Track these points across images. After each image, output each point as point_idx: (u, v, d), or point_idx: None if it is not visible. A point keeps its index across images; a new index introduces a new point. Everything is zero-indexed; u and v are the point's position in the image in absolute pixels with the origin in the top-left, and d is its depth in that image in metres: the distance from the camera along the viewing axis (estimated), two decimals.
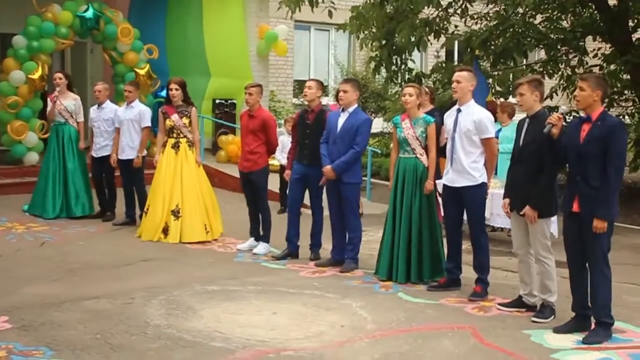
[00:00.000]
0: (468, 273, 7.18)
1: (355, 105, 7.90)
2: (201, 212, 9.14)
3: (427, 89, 10.05)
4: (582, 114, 5.88)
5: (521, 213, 6.21)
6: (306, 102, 8.34)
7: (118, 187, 10.24)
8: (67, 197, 10.34)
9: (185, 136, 9.17)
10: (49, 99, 10.55)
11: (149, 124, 9.97)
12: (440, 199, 7.42)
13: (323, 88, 8.36)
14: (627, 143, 5.89)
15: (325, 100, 17.59)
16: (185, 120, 9.10)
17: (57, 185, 10.31)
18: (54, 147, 10.40)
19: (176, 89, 9.12)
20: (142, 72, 13.22)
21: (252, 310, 6.40)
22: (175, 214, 9.09)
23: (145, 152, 10.05)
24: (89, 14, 12.50)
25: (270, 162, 9.17)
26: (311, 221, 8.35)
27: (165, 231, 9.06)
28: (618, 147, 5.61)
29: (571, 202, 5.79)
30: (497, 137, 9.18)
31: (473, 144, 6.86)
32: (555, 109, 12.74)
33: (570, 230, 5.88)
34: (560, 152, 5.89)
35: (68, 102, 10.35)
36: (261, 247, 8.60)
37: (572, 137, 5.80)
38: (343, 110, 7.91)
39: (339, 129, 7.83)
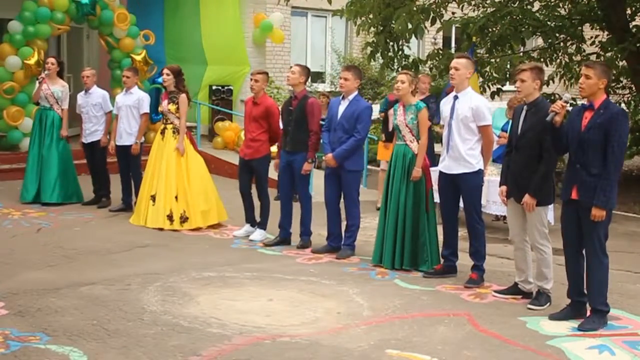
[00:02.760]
0: (464, 260, 7.19)
1: (356, 93, 7.88)
2: (169, 200, 9.01)
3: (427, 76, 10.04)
4: (584, 101, 5.85)
5: (522, 203, 6.20)
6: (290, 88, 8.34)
7: (114, 174, 10.21)
8: (43, 182, 10.27)
9: (171, 122, 9.15)
10: (37, 82, 10.53)
11: (148, 111, 9.95)
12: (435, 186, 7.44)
13: (307, 74, 8.32)
14: (628, 132, 5.84)
15: (322, 87, 17.64)
16: (172, 107, 9.07)
17: (36, 169, 10.27)
18: (36, 132, 10.38)
19: (167, 74, 9.12)
20: (138, 58, 13.20)
21: (248, 296, 6.41)
22: (153, 199, 9.09)
23: (143, 139, 10.04)
24: None
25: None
26: (308, 209, 8.33)
27: (146, 216, 9.10)
28: (620, 135, 5.57)
29: (570, 190, 5.78)
30: (505, 130, 9.18)
31: (470, 131, 6.85)
32: (552, 96, 12.78)
33: (568, 217, 5.88)
34: (562, 140, 5.86)
35: (56, 87, 10.29)
36: (257, 234, 8.61)
37: (573, 124, 5.77)
38: (343, 97, 7.89)
39: (339, 116, 7.82)
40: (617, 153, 5.59)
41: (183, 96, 9.13)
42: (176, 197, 9.03)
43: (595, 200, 5.59)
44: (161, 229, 8.90)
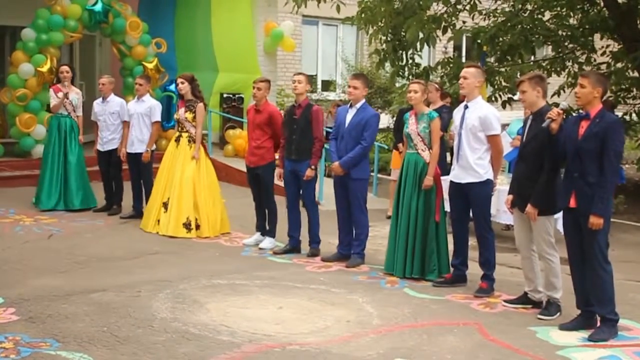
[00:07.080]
0: (474, 269, 7.18)
1: (364, 101, 7.92)
2: (187, 208, 9.05)
3: (436, 85, 10.04)
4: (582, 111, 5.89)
5: (525, 212, 6.21)
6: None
7: (125, 181, 10.25)
8: (66, 188, 10.35)
9: (187, 130, 9.18)
10: (51, 90, 10.53)
11: (159, 119, 10.00)
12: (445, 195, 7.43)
13: (312, 82, 8.38)
14: (624, 141, 5.92)
15: (332, 96, 17.68)
16: (189, 115, 9.10)
17: (56, 176, 10.33)
18: (54, 139, 10.41)
19: (182, 83, 9.16)
20: (150, 65, 13.27)
21: (258, 304, 6.42)
22: (165, 206, 9.12)
23: (154, 147, 10.08)
24: (98, 7, 12.54)
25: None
26: (315, 217, 8.33)
27: (158, 222, 9.14)
28: (615, 144, 5.63)
29: (568, 198, 5.83)
30: (519, 134, 9.18)
31: (478, 140, 6.86)
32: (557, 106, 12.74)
33: (568, 226, 5.93)
34: (558, 148, 5.92)
35: (73, 95, 10.39)
36: (267, 242, 8.62)
37: (570, 133, 5.83)
38: (351, 106, 7.92)
39: (346, 124, 7.85)
40: (614, 161, 5.64)
41: (200, 105, 9.17)
42: (194, 205, 9.09)
43: (593, 208, 5.62)
44: (173, 237, 8.92)
